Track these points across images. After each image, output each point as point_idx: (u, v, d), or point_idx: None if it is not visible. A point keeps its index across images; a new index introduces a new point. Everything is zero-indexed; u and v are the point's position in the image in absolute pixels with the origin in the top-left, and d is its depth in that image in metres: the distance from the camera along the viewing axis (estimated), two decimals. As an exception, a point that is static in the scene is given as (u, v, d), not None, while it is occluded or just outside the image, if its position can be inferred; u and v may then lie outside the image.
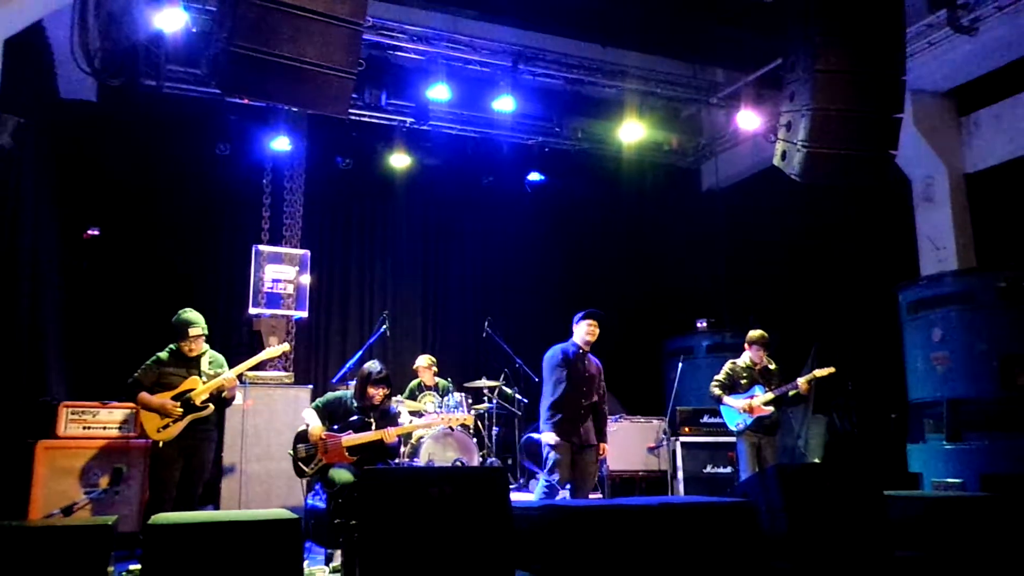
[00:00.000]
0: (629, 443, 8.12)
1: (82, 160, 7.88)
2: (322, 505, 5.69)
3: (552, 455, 5.81)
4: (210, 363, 5.54)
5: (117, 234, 7.98)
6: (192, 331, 5.42)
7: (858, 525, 4.03)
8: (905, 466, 7.00)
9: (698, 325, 9.63)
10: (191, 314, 5.50)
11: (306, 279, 7.90)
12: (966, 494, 5.67)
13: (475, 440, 7.48)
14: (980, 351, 6.51)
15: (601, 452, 6.02)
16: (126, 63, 6.17)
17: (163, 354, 5.49)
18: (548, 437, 5.83)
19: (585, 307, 6.10)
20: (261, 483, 6.70)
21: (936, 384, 6.76)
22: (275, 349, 6.04)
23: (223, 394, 5.52)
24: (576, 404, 5.87)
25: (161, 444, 5.26)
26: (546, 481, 5.84)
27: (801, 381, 6.50)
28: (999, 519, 4.40)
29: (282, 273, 7.79)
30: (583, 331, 5.98)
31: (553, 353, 6.04)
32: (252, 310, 7.63)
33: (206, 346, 5.59)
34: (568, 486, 5.84)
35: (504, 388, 8.16)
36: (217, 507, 6.58)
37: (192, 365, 5.47)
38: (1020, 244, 7.32)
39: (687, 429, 7.89)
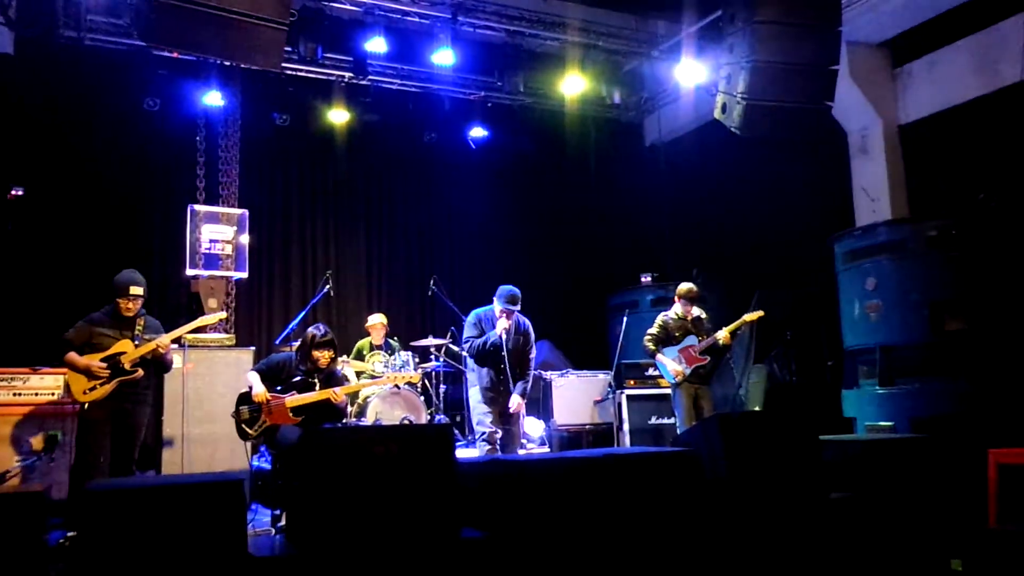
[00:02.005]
0: (575, 397, 8.23)
1: (0, 117, 7.49)
2: (267, 467, 5.64)
3: (479, 407, 5.97)
4: (144, 327, 5.37)
5: (43, 194, 7.62)
6: (133, 290, 5.24)
7: (795, 469, 4.15)
8: (840, 412, 7.22)
9: (642, 279, 9.71)
10: (135, 275, 5.34)
11: (245, 239, 7.72)
12: (897, 436, 5.88)
13: (423, 398, 7.48)
14: (911, 299, 6.69)
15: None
16: (43, 12, 5.88)
17: (98, 313, 5.32)
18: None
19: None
20: (204, 447, 6.59)
21: (869, 332, 6.95)
22: (211, 316, 5.88)
23: (159, 358, 5.37)
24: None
25: (87, 406, 5.10)
26: (482, 432, 5.93)
27: (724, 332, 6.64)
28: (927, 459, 4.58)
29: (220, 233, 7.60)
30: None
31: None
32: (189, 271, 7.44)
33: (142, 310, 5.41)
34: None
35: (451, 346, 8.15)
36: (159, 472, 6.47)
37: (126, 327, 5.30)
38: (952, 193, 7.52)
39: (632, 382, 8.00)
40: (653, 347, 6.84)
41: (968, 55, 7.56)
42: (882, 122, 8.16)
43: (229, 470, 6.26)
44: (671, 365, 6.75)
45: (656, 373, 7.76)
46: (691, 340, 6.77)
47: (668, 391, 7.60)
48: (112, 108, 8.16)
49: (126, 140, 8.31)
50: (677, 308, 6.95)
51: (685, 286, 6.94)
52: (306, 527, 3.49)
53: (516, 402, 6.02)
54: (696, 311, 6.92)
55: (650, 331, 6.91)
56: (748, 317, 6.77)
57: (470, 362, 6.23)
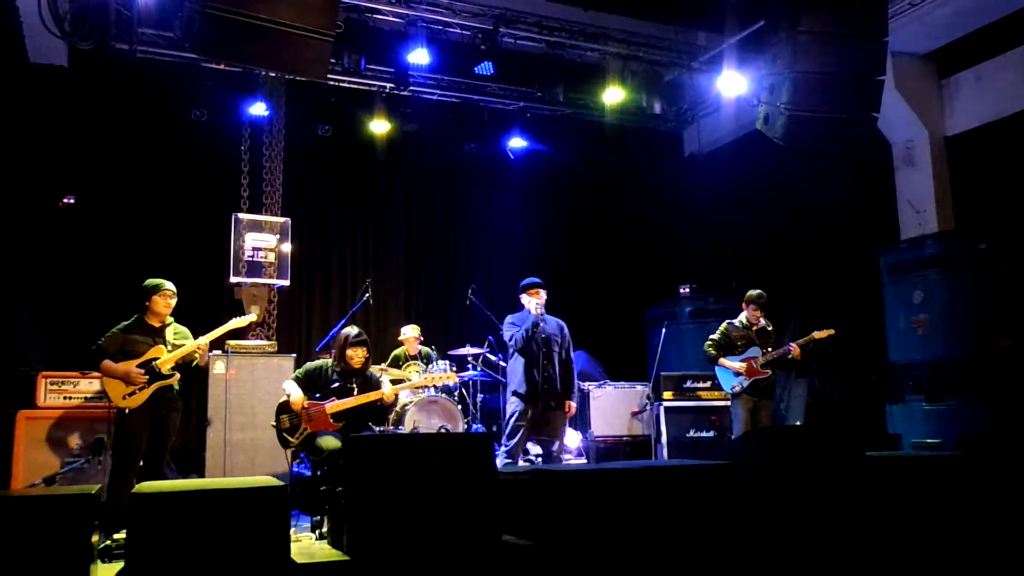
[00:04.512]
0: (613, 408, 8.18)
1: (54, 127, 7.71)
2: (307, 473, 5.69)
3: (511, 422, 6.02)
4: (175, 334, 5.37)
5: (92, 202, 7.83)
6: (168, 285, 5.27)
7: (838, 484, 4.09)
8: (884, 427, 7.09)
9: (681, 291, 9.65)
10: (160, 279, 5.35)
11: (287, 247, 7.83)
12: (945, 454, 5.76)
13: (460, 407, 7.50)
14: (959, 313, 6.57)
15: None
16: (96, 26, 6.04)
17: (129, 323, 5.31)
18: None
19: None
20: (245, 452, 6.68)
21: (916, 346, 6.83)
22: (243, 319, 5.78)
23: (193, 363, 5.35)
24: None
25: (128, 412, 5.09)
26: (504, 446, 5.95)
27: (795, 346, 6.47)
28: (976, 477, 4.47)
29: (263, 241, 7.72)
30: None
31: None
32: (233, 279, 7.56)
33: (171, 318, 5.40)
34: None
35: (488, 355, 8.15)
36: (202, 476, 6.57)
37: (158, 334, 5.29)
38: (999, 206, 7.37)
39: (670, 394, 7.94)
40: (714, 353, 6.67)
41: (1016, 67, 7.42)
42: (928, 134, 8.03)
43: (270, 474, 6.33)
44: (732, 371, 6.56)
45: (696, 385, 7.68)
46: (753, 352, 6.58)
47: (706, 404, 7.53)
48: (161, 118, 8.34)
49: (173, 150, 8.50)
50: (743, 316, 6.76)
51: (755, 291, 6.74)
52: (348, 533, 3.52)
53: (572, 407, 6.25)
54: (763, 321, 6.76)
55: (712, 337, 6.76)
56: (818, 334, 6.52)
57: (511, 368, 6.27)
